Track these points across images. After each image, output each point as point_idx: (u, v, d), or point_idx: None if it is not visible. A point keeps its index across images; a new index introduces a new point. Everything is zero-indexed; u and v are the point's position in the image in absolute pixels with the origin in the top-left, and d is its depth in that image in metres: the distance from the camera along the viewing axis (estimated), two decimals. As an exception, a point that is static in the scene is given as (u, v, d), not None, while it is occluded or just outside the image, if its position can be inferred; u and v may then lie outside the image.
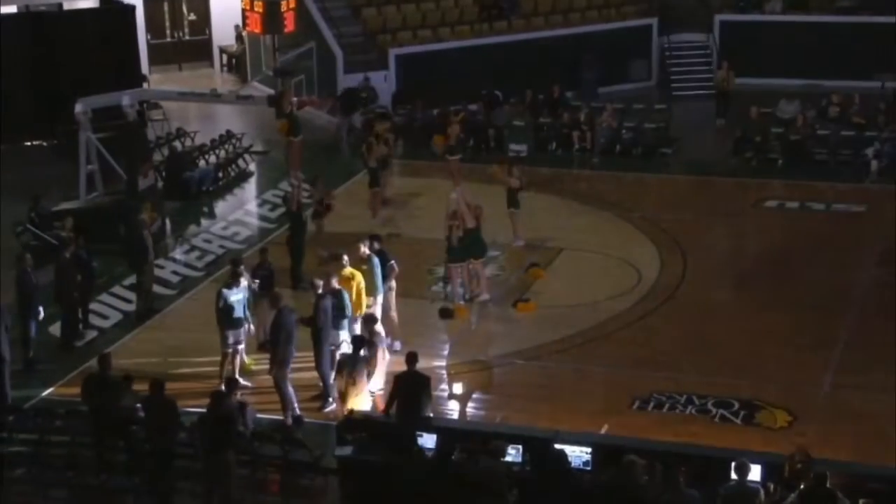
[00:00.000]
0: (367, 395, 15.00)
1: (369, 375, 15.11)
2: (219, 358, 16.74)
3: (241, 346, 16.76)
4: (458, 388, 16.90)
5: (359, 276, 16.89)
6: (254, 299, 17.08)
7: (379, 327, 16.03)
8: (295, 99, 23.10)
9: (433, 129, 28.42)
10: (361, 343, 15.14)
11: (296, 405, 15.75)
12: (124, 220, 21.15)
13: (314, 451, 14.26)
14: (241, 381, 16.70)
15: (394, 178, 25.47)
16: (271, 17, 28.17)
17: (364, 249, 17.40)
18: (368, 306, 16.99)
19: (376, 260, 17.43)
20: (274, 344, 15.81)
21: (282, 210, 22.63)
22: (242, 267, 17.16)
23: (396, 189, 25.01)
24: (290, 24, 28.35)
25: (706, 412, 15.93)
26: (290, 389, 15.74)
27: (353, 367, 14.80)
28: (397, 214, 23.67)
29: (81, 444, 14.60)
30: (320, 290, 16.13)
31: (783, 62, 31.13)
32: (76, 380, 16.11)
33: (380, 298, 17.37)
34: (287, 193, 21.73)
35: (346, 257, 17.09)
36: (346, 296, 16.43)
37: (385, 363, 15.75)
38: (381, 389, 15.46)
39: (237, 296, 16.53)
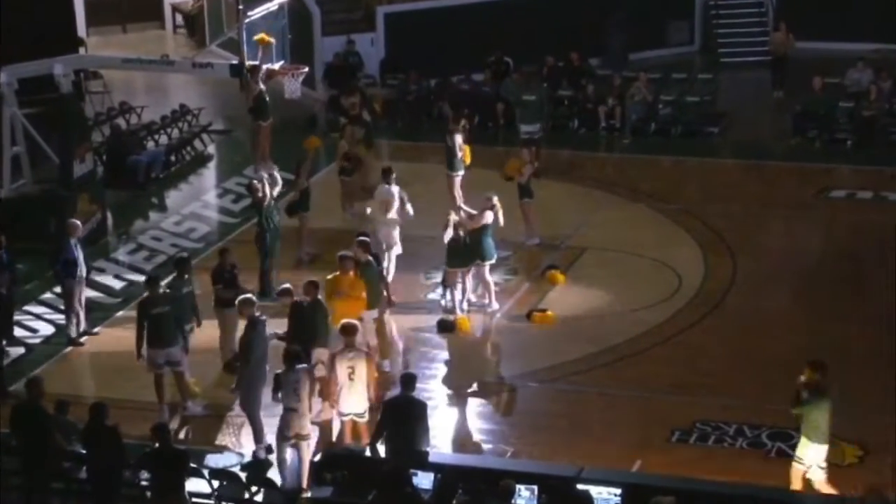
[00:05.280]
0: (307, 419, 15.06)
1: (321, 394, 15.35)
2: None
3: (181, 368, 16.86)
4: (459, 417, 16.93)
5: (360, 287, 17.03)
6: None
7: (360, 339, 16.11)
8: (263, 67, 23.12)
9: (429, 103, 28.49)
10: (298, 357, 15.09)
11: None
12: (56, 215, 21.15)
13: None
14: (192, 406, 16.84)
15: (380, 162, 25.46)
16: (233, -34, 28.23)
17: (360, 254, 17.49)
18: (360, 319, 17.03)
19: (376, 266, 17.54)
20: (244, 363, 15.87)
21: (247, 201, 22.61)
22: (159, 276, 17.41)
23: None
24: (256, -24, 28.36)
25: (760, 445, 15.97)
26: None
27: (297, 384, 14.85)
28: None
29: (7, 486, 14.61)
30: (300, 299, 16.26)
31: (852, 23, 31.14)
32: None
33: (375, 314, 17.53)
34: (252, 182, 21.65)
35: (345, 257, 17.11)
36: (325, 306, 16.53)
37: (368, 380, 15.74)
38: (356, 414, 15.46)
39: (163, 308, 16.68)
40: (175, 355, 16.76)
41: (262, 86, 23.26)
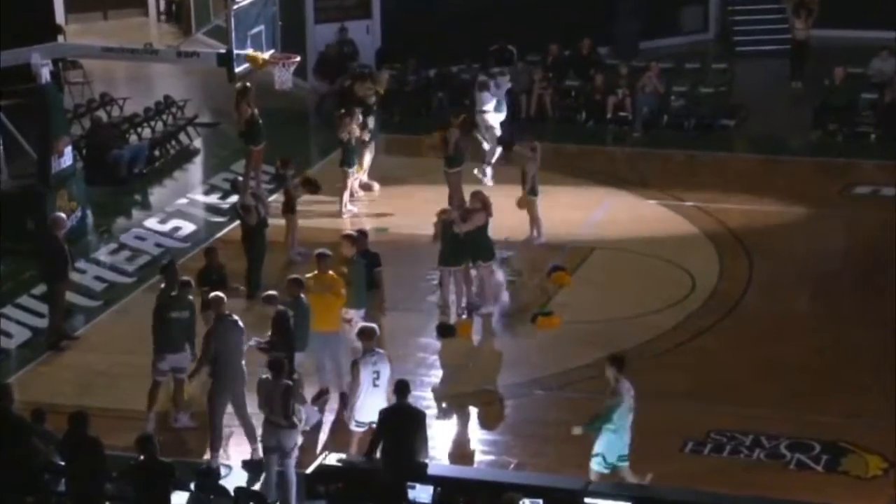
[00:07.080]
0: (292, 433, 15.06)
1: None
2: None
3: (183, 376, 16.86)
4: (459, 426, 16.95)
5: (340, 284, 17.05)
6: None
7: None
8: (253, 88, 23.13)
9: (428, 95, 28.50)
10: (283, 367, 15.10)
11: (258, 444, 15.88)
12: (33, 213, 21.14)
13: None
14: (182, 417, 16.86)
15: (380, 157, 25.48)
16: (221, -50, 28.26)
17: (347, 250, 17.51)
18: (348, 320, 17.06)
19: (363, 264, 17.55)
20: (205, 361, 15.95)
21: (235, 198, 22.61)
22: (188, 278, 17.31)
23: (382, 171, 25.03)
24: (245, -40, 28.39)
25: (778, 457, 15.97)
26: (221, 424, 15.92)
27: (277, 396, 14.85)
28: (377, 205, 23.74)
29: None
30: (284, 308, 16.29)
31: (876, 9, 31.13)
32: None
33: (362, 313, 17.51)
34: (237, 181, 21.69)
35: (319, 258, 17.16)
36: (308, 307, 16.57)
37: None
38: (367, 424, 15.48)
39: (181, 312, 16.67)
40: (182, 362, 16.73)
41: (254, 108, 23.30)
